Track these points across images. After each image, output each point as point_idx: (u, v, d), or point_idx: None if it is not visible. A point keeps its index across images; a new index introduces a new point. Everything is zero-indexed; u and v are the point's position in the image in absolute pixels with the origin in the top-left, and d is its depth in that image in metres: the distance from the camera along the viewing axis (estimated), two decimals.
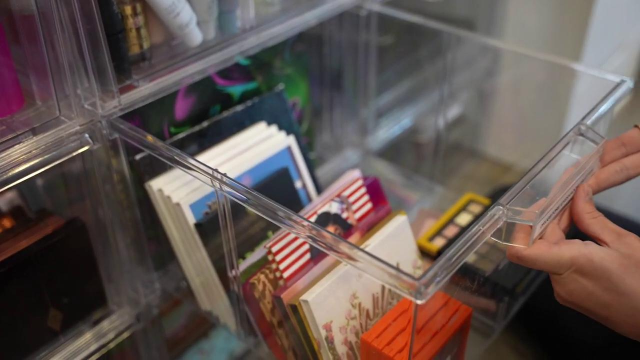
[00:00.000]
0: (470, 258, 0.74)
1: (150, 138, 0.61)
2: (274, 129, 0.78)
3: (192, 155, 0.71)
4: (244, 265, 0.65)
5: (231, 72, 0.77)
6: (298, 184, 0.76)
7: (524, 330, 0.97)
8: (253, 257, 0.66)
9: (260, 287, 0.62)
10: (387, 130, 1.11)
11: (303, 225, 0.51)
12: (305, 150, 0.80)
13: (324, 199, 0.67)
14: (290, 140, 0.76)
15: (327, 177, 0.98)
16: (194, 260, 0.69)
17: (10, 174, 0.56)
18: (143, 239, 0.73)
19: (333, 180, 1.00)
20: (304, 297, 0.57)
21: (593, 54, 1.30)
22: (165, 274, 0.78)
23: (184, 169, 0.59)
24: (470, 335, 0.68)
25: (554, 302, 0.57)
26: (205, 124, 0.74)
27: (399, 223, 0.66)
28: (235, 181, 0.56)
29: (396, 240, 0.66)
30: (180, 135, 0.72)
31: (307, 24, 0.80)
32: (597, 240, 0.54)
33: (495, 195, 1.03)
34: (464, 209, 0.85)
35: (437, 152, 1.06)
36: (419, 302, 0.44)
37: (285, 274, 0.61)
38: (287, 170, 0.74)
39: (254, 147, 0.74)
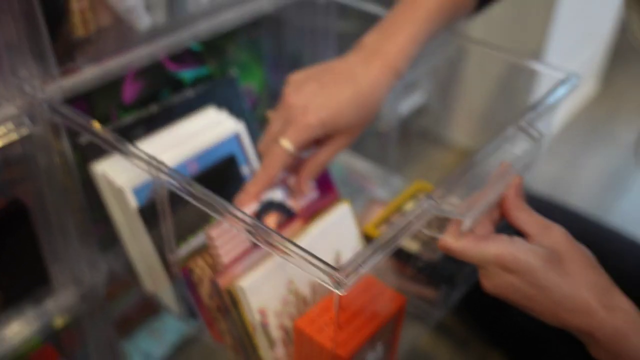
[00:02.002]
0: (413, 246, 0.76)
1: (91, 124, 0.61)
2: (223, 114, 0.78)
3: (138, 139, 0.72)
4: (185, 249, 0.66)
5: (183, 56, 0.77)
6: (246, 170, 0.77)
7: (471, 320, 0.99)
8: (195, 241, 0.67)
9: (198, 271, 0.63)
10: None
11: (237, 217, 0.52)
12: (258, 135, 0.80)
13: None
14: (239, 127, 0.77)
15: None
16: (137, 244, 0.69)
17: None
18: (88, 221, 0.73)
19: None
20: (239, 282, 0.58)
21: (559, 43, 1.32)
22: (113, 255, 0.79)
23: (124, 155, 0.59)
24: (409, 322, 0.69)
25: None
26: (154, 108, 0.74)
27: (341, 211, 0.67)
28: (173, 170, 0.56)
29: (338, 229, 0.67)
30: (127, 120, 0.72)
31: (262, 10, 0.80)
32: (522, 233, 0.56)
33: None
34: (413, 196, 0.86)
35: (400, 141, 1.07)
36: (339, 292, 0.45)
37: (225, 259, 0.62)
38: (234, 157, 0.74)
39: (202, 132, 0.74)
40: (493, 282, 0.54)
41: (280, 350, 0.62)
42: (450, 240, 0.54)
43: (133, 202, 0.66)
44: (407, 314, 0.71)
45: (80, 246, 0.73)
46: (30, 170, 0.66)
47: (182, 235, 0.67)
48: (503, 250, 0.52)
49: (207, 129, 0.75)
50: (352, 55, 0.65)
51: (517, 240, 0.54)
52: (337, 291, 0.45)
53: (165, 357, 0.97)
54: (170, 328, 0.93)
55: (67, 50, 0.64)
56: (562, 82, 0.71)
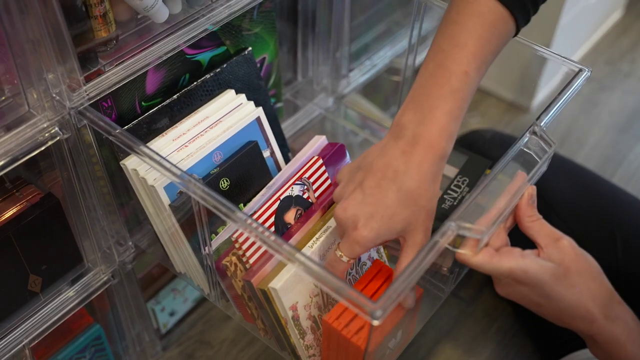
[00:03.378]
0: None
1: (119, 132, 0.64)
2: (242, 97, 0.80)
3: (163, 130, 0.75)
4: (216, 242, 0.71)
5: (200, 40, 0.78)
6: (266, 153, 0.81)
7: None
8: (225, 233, 0.72)
9: (232, 268, 0.68)
10: (361, 73, 1.12)
11: (252, 228, 0.57)
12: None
13: (287, 180, 0.72)
14: (259, 111, 0.79)
15: (298, 127, 1.02)
16: (169, 235, 0.74)
17: None
18: (115, 207, 0.77)
19: (304, 129, 1.04)
20: (272, 284, 0.63)
21: None
22: (140, 231, 0.84)
23: (151, 164, 0.63)
24: (423, 299, 0.76)
25: None
26: (175, 96, 0.76)
27: None
28: (188, 176, 0.60)
29: None
30: (151, 112, 0.74)
31: None
32: (534, 242, 0.62)
33: (462, 140, 1.08)
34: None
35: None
36: (375, 323, 0.50)
37: (252, 259, 0.67)
38: (257, 144, 0.77)
39: (223, 119, 0.77)
40: (506, 290, 0.61)
41: (309, 337, 0.69)
42: (468, 255, 0.59)
43: (165, 199, 0.70)
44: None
45: (109, 229, 0.78)
46: (62, 165, 0.70)
47: (214, 228, 0.72)
48: (515, 265, 0.58)
49: (228, 116, 0.78)
50: (392, 145, 0.59)
51: (528, 255, 0.59)
52: (372, 322, 0.50)
53: (189, 311, 1.05)
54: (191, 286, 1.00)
55: (90, 55, 0.65)
56: (576, 75, 0.72)
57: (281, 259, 0.55)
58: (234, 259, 0.68)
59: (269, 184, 0.73)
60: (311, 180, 0.73)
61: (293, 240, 0.68)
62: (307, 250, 0.66)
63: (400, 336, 0.69)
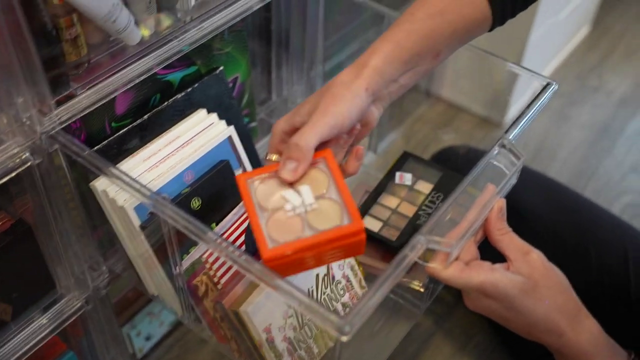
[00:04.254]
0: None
1: (83, 152, 0.65)
2: (214, 117, 0.82)
3: (134, 150, 0.76)
4: (187, 261, 0.72)
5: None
6: (239, 172, 0.82)
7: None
8: (196, 253, 0.73)
9: (203, 288, 0.69)
10: None
11: (222, 248, 0.57)
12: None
13: None
14: (231, 130, 0.81)
15: None
16: (140, 255, 0.75)
17: None
18: (88, 230, 0.78)
19: None
20: (243, 307, 0.64)
21: None
22: (114, 255, 0.84)
23: (124, 187, 0.64)
24: (398, 314, 0.78)
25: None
26: (145, 117, 0.77)
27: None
28: (157, 196, 0.61)
29: None
30: (121, 133, 0.75)
31: (250, 7, 0.81)
32: (503, 255, 0.64)
33: (436, 156, 1.11)
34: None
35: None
36: (343, 339, 0.52)
37: (223, 279, 0.68)
38: (228, 163, 0.79)
39: (195, 139, 0.78)
40: (475, 304, 0.62)
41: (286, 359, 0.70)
42: (438, 269, 0.61)
43: (135, 220, 0.71)
44: (397, 308, 0.80)
45: (82, 253, 0.78)
46: (31, 189, 0.70)
47: (186, 248, 0.73)
48: (485, 279, 0.60)
49: (199, 135, 0.79)
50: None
51: (497, 269, 0.61)
52: (340, 337, 0.52)
53: (165, 335, 1.05)
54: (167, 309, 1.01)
55: (61, 78, 0.66)
56: (543, 89, 0.75)
57: (252, 279, 0.57)
58: (204, 278, 0.68)
59: (241, 203, 0.75)
60: None
61: None
62: None
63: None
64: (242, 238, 0.70)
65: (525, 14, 0.74)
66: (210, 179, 0.76)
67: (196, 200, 0.74)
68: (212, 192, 0.76)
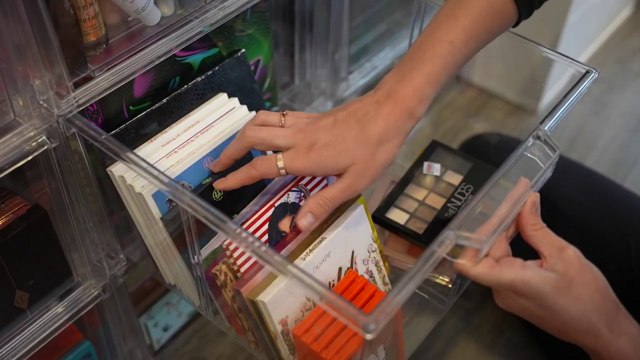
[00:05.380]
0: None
1: (106, 138, 0.65)
2: (235, 101, 0.81)
3: (152, 134, 0.76)
4: (206, 250, 0.72)
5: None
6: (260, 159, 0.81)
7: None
8: (216, 241, 0.73)
9: (222, 277, 0.69)
10: (361, 75, 1.13)
11: (242, 238, 0.57)
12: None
13: (282, 186, 0.73)
14: (251, 116, 0.80)
15: None
16: (158, 244, 0.75)
17: None
18: (105, 217, 0.78)
19: None
20: (260, 297, 0.64)
21: None
22: (132, 243, 0.85)
23: (141, 173, 0.64)
24: (424, 309, 0.77)
25: None
26: (164, 100, 0.77)
27: (356, 213, 0.72)
28: (177, 187, 0.61)
29: (352, 230, 0.72)
30: (140, 116, 0.75)
31: None
32: (537, 251, 0.62)
33: (466, 145, 1.09)
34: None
35: None
36: (368, 337, 0.51)
37: (243, 268, 0.67)
38: (250, 153, 0.78)
39: (215, 124, 0.78)
40: (506, 303, 0.61)
41: None
42: (467, 266, 0.60)
43: (154, 208, 0.71)
44: (422, 303, 0.79)
45: (99, 241, 0.79)
46: (48, 174, 0.71)
47: (205, 238, 0.73)
48: (515, 277, 0.59)
49: (219, 120, 0.79)
50: (369, 96, 0.65)
51: (529, 266, 0.60)
52: (365, 335, 0.51)
53: (183, 326, 1.06)
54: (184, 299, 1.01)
55: (78, 59, 0.66)
56: (582, 77, 0.73)
57: (272, 270, 0.56)
58: (224, 267, 0.68)
59: (262, 191, 0.74)
60: (308, 187, 0.73)
61: (286, 251, 0.69)
62: (299, 262, 0.67)
63: (384, 352, 0.69)
64: (264, 228, 0.70)
65: None
66: (232, 169, 0.76)
67: (218, 191, 0.73)
68: None
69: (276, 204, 0.71)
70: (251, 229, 0.69)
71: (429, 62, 0.63)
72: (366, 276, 0.73)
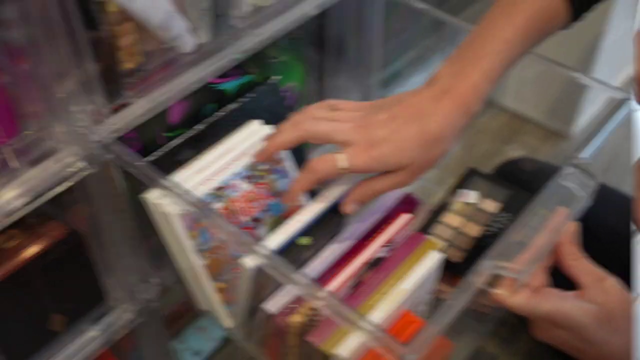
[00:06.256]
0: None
1: (138, 162, 0.65)
2: (267, 128, 0.81)
3: (188, 161, 0.76)
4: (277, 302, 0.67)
5: None
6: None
7: None
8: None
9: (295, 327, 0.65)
10: None
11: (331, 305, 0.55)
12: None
13: (365, 237, 0.70)
14: None
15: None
16: (192, 270, 0.75)
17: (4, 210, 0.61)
18: (139, 242, 0.79)
19: None
20: (338, 350, 0.61)
21: None
22: (164, 268, 0.85)
23: (179, 200, 0.64)
24: (459, 338, 0.75)
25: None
26: (199, 126, 0.78)
27: (432, 261, 0.69)
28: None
29: (429, 279, 0.70)
30: (174, 143, 0.76)
31: (306, 14, 0.81)
32: (576, 282, 0.61)
33: (500, 170, 1.08)
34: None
35: None
36: None
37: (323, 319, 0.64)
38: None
39: (248, 151, 0.78)
40: (544, 334, 0.60)
41: None
42: (504, 296, 0.59)
43: (186, 234, 0.71)
44: (457, 330, 0.77)
45: (134, 265, 0.79)
46: (85, 199, 0.72)
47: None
48: (553, 308, 0.57)
49: (253, 148, 0.79)
50: (425, 90, 0.65)
51: (568, 296, 0.58)
52: None
53: (214, 351, 1.05)
54: (217, 324, 1.01)
55: (115, 86, 0.67)
56: (618, 104, 0.72)
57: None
58: (299, 317, 0.65)
59: (338, 240, 0.71)
60: (397, 239, 0.71)
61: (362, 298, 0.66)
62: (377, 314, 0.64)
63: None
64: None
65: (598, 16, 0.71)
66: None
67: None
68: None
69: (371, 260, 0.68)
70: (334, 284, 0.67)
71: (485, 59, 0.63)
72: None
